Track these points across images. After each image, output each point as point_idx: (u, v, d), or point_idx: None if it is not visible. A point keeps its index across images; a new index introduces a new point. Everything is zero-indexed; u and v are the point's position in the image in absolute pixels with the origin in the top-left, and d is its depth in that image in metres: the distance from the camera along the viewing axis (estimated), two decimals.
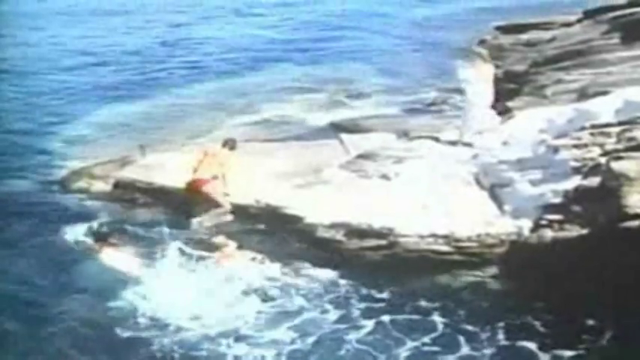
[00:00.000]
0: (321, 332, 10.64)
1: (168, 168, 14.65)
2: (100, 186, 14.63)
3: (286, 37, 27.96)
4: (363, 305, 11.22)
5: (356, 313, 11.08)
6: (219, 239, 12.95)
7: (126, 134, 17.75)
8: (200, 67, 23.94)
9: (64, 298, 11.39)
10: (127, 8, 33.22)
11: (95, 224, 13.39)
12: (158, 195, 14.11)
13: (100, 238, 12.92)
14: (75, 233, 13.08)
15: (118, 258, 12.44)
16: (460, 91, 20.49)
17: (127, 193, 14.30)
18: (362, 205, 12.99)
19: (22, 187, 15.09)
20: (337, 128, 17.33)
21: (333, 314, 11.05)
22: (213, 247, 12.72)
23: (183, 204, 13.69)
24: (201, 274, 11.97)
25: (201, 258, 12.34)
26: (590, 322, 10.50)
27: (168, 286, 11.61)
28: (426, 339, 10.43)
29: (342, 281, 11.79)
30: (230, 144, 14.27)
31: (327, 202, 13.20)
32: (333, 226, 12.63)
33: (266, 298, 11.41)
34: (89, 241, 12.91)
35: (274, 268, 12.13)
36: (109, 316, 10.98)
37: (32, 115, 19.56)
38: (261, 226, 13.20)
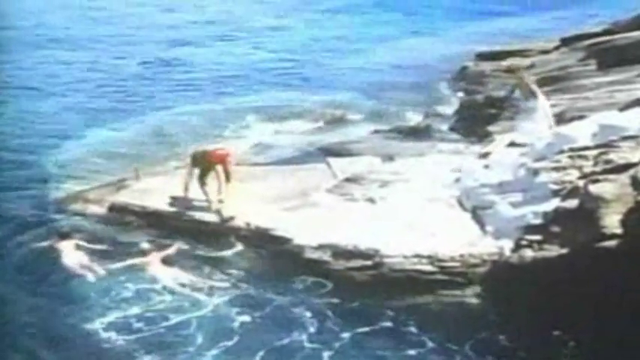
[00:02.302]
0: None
1: (162, 192, 14.91)
2: (94, 209, 14.83)
3: (276, 62, 28.34)
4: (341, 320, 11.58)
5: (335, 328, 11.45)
6: (145, 245, 13.39)
7: (120, 156, 18.00)
8: (192, 91, 24.27)
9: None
10: (118, 32, 33.45)
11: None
12: (152, 218, 14.36)
13: (62, 235, 13.54)
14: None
15: (71, 255, 13.07)
16: (445, 116, 20.97)
17: (121, 216, 14.52)
18: (348, 227, 13.34)
19: (17, 209, 15.29)
20: (325, 152, 17.68)
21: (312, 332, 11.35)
22: (140, 254, 13.24)
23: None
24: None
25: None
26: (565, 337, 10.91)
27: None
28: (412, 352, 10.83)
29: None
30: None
31: (315, 225, 13.53)
32: (321, 247, 12.94)
33: None
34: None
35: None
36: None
37: (27, 137, 19.79)
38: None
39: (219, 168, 14.27)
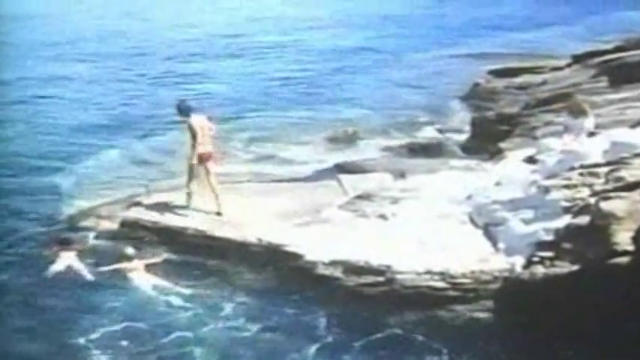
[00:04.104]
0: None
1: (173, 207, 15.00)
2: (106, 225, 14.93)
3: (287, 79, 28.43)
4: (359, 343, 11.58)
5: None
6: (129, 251, 13.65)
7: (132, 172, 18.13)
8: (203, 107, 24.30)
9: None
10: (131, 51, 33.67)
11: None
12: (163, 234, 14.44)
13: (63, 242, 13.90)
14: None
15: (65, 260, 13.40)
16: (456, 133, 21.02)
17: (132, 232, 14.59)
18: (360, 244, 13.37)
19: (29, 227, 15.39)
20: (336, 169, 17.69)
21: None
22: (123, 258, 13.55)
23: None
24: None
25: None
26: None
27: None
28: None
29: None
30: (183, 106, 14.84)
31: (327, 241, 13.56)
32: (333, 263, 12.97)
33: None
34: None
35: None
36: None
37: (40, 154, 19.89)
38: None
39: (204, 171, 14.56)
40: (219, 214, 14.52)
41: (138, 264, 13.42)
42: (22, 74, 28.85)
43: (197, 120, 14.53)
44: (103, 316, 12.06)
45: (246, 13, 42.58)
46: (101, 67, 30.28)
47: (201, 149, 14.36)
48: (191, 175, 14.53)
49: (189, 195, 14.70)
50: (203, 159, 14.47)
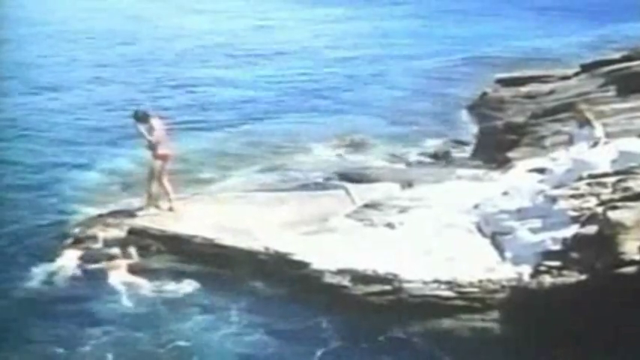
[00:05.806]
0: None
1: (180, 216, 15.10)
2: (114, 233, 14.92)
3: (296, 86, 28.47)
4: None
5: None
6: (114, 251, 14.08)
7: (139, 181, 18.10)
8: (209, 117, 24.34)
9: None
10: (139, 58, 33.75)
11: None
12: (171, 242, 14.43)
13: (75, 239, 14.46)
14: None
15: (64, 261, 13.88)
16: (464, 142, 21.02)
17: (140, 239, 14.58)
18: (367, 252, 13.36)
19: (37, 235, 15.44)
20: (343, 178, 17.73)
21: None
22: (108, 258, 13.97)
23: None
24: None
25: None
26: None
27: None
28: None
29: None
30: (141, 113, 15.42)
31: (334, 250, 13.57)
32: (340, 272, 12.96)
33: None
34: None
35: None
36: None
37: (46, 163, 19.92)
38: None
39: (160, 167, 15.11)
40: (171, 209, 15.24)
41: (120, 263, 13.78)
42: (28, 79, 28.93)
43: (157, 122, 15.24)
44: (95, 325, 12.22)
45: (254, 20, 42.67)
46: (109, 74, 30.29)
47: (163, 150, 15.08)
48: (151, 176, 15.18)
49: (150, 196, 15.28)
50: (163, 159, 15.14)
